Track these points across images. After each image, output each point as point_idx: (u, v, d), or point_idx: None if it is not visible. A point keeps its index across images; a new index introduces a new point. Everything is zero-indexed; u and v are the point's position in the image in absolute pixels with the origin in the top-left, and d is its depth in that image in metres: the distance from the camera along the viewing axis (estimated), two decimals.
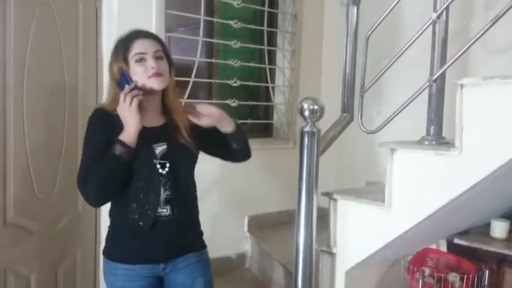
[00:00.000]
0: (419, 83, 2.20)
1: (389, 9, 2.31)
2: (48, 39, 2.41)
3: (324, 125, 2.12)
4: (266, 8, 3.49)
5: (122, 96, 1.60)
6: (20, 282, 2.35)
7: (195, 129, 1.77)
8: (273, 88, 3.65)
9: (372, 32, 2.41)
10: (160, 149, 1.69)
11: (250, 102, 3.51)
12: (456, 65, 2.05)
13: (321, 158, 1.92)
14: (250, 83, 3.48)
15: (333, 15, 3.67)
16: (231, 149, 1.82)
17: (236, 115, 3.34)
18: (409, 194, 2.13)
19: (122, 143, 1.58)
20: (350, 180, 3.12)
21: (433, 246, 2.50)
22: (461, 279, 2.17)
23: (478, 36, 1.93)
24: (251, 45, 3.47)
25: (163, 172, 1.67)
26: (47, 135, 2.42)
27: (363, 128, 2.46)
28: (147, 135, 1.65)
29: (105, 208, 2.65)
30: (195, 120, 1.74)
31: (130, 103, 1.59)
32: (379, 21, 2.37)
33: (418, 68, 2.50)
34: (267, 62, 3.55)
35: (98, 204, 1.72)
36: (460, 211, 2.16)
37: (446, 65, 2.10)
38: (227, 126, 1.79)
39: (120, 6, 2.60)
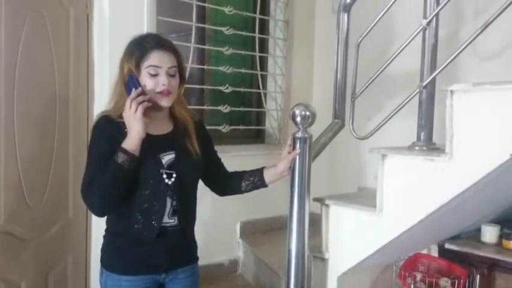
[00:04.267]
0: (410, 89, 2.21)
1: (379, 16, 2.33)
2: (39, 46, 2.39)
3: (316, 130, 2.13)
4: (257, 15, 3.50)
5: (128, 102, 1.56)
6: None
7: (201, 140, 1.77)
8: (265, 94, 3.66)
9: (362, 39, 2.43)
10: (167, 158, 1.66)
11: (242, 108, 3.51)
12: (446, 71, 2.07)
13: (313, 163, 1.93)
14: (242, 89, 3.49)
15: (324, 21, 3.69)
16: (238, 185, 1.85)
17: (228, 121, 3.35)
18: (400, 199, 2.14)
19: (125, 151, 1.54)
20: (342, 185, 3.13)
21: (425, 251, 2.51)
22: (453, 284, 2.18)
23: (467, 42, 1.95)
24: (243, 52, 3.48)
25: (169, 183, 1.64)
26: (37, 143, 2.40)
27: (354, 134, 2.47)
28: (153, 144, 1.62)
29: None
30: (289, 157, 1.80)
31: (136, 110, 1.54)
32: (369, 28, 2.39)
33: (408, 74, 2.52)
34: (258, 68, 3.56)
35: (102, 213, 1.66)
36: (451, 216, 2.17)
37: (436, 71, 2.12)
38: (274, 180, 1.85)
39: (111, 13, 2.60)
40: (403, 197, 2.13)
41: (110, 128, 1.61)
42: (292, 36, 3.66)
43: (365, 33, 2.41)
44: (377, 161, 2.19)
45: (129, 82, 1.59)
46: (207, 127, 1.94)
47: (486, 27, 1.90)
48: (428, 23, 2.18)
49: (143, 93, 1.58)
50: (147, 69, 1.60)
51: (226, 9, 3.29)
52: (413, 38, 2.19)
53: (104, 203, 1.59)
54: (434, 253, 2.49)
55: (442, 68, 2.06)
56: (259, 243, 3.29)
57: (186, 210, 1.71)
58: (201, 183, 1.84)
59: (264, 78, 3.65)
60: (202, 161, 1.76)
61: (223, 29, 3.29)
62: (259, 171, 1.84)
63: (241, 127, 3.47)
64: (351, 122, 2.49)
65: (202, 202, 1.81)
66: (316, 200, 2.38)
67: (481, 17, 2.19)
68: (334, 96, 2.65)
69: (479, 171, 1.85)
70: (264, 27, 3.63)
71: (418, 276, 2.22)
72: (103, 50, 2.61)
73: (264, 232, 3.41)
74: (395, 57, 2.25)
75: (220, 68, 3.31)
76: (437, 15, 2.19)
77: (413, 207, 2.08)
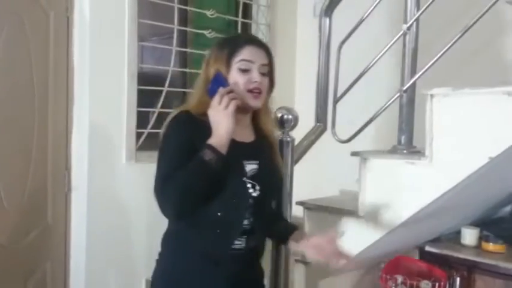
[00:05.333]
0: (391, 93, 2.23)
1: (360, 20, 2.35)
2: (18, 49, 2.36)
3: (298, 134, 2.13)
4: (240, 19, 3.50)
5: (217, 97, 1.40)
6: None
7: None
8: None
9: (344, 43, 2.44)
10: (250, 167, 1.49)
11: None
12: (426, 75, 2.09)
13: (295, 167, 1.93)
14: None
15: (305, 25, 3.70)
16: (273, 227, 1.64)
17: None
18: (381, 202, 2.15)
19: (212, 148, 1.36)
20: (324, 189, 3.13)
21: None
22: (433, 287, 2.19)
23: (447, 47, 1.98)
24: None
25: (254, 194, 1.46)
26: (16, 145, 2.37)
27: (336, 138, 2.48)
28: (237, 150, 1.43)
29: (76, 220, 2.62)
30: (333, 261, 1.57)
31: (227, 106, 1.39)
32: (350, 32, 2.40)
33: (390, 78, 2.54)
34: None
35: (178, 215, 1.42)
36: (431, 219, 2.19)
37: (417, 76, 2.14)
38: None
39: (92, 16, 2.57)
40: (384, 199, 2.14)
41: (191, 125, 1.44)
42: (274, 40, 3.66)
43: (346, 36, 2.42)
44: (359, 165, 2.20)
45: (213, 83, 1.46)
46: None
47: (466, 31, 1.93)
48: (409, 28, 2.21)
49: (232, 92, 1.43)
50: (238, 64, 1.46)
51: (209, 13, 3.28)
52: (394, 42, 2.21)
53: (183, 204, 1.37)
54: (415, 255, 2.51)
55: (422, 72, 2.08)
56: None
57: (258, 232, 1.51)
58: None
59: None
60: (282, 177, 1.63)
61: (205, 32, 3.28)
62: (292, 229, 1.66)
63: None
64: (332, 125, 2.50)
65: None
66: (299, 203, 2.38)
67: (460, 22, 2.22)
68: (317, 99, 2.66)
69: (458, 174, 1.86)
70: (246, 31, 3.63)
71: (399, 279, 2.23)
72: (83, 52, 2.58)
73: None
74: (376, 61, 2.27)
75: None
76: (417, 20, 2.21)
77: (394, 210, 2.09)
